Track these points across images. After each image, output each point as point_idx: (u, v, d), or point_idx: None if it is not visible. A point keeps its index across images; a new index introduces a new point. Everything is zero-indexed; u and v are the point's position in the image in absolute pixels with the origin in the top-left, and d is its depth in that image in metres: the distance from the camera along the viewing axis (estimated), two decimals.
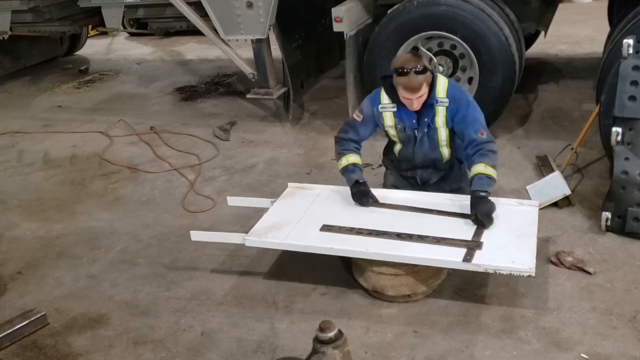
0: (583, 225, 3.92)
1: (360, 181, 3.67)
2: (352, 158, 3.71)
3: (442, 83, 3.50)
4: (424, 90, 3.37)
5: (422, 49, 5.14)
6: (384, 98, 3.60)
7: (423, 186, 3.89)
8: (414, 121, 3.58)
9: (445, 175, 3.85)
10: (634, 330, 3.04)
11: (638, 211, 3.69)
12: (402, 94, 3.39)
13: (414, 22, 4.98)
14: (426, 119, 3.55)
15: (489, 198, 3.40)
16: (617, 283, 3.37)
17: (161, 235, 4.38)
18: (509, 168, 4.75)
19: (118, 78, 8.77)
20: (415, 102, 3.39)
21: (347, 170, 3.71)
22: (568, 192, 4.05)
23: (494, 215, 3.38)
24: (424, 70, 3.31)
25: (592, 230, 3.86)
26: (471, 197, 3.39)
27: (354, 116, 3.73)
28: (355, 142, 3.75)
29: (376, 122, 3.68)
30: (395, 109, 3.58)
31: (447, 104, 3.48)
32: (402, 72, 3.31)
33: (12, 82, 8.88)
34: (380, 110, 3.62)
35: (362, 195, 3.66)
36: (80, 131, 6.62)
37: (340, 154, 3.75)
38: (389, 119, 3.62)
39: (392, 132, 3.70)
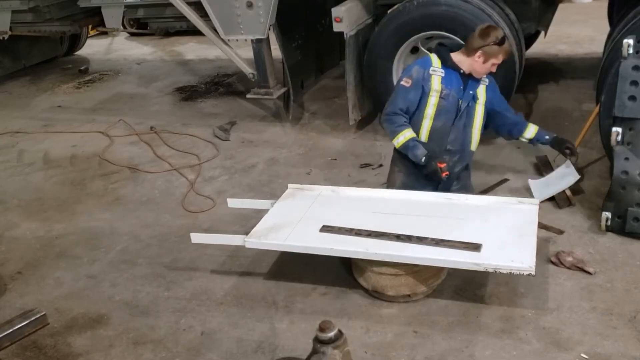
0: (583, 225, 3.92)
1: (425, 159, 3.72)
2: (408, 133, 3.76)
3: None
4: None
5: (423, 48, 5.15)
6: (436, 62, 3.75)
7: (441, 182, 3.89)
8: (461, 87, 3.73)
9: (464, 168, 3.97)
10: (634, 330, 3.04)
11: (638, 211, 3.69)
12: (498, 61, 3.66)
13: (414, 22, 4.98)
14: (471, 91, 3.75)
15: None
16: (617, 283, 3.37)
17: (161, 235, 4.38)
18: (509, 168, 4.75)
19: (118, 78, 8.77)
20: (496, 66, 3.70)
21: (408, 147, 3.75)
22: (578, 176, 4.06)
23: (493, 214, 3.42)
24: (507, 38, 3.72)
25: (592, 230, 3.86)
26: (553, 140, 3.96)
27: (402, 82, 3.77)
28: (405, 115, 3.79)
29: (423, 86, 3.71)
30: (443, 75, 3.72)
31: (487, 83, 3.82)
32: (503, 42, 3.61)
33: (12, 82, 8.88)
34: (430, 72, 3.71)
35: (434, 173, 3.72)
36: (80, 131, 6.62)
37: (394, 132, 3.79)
38: (436, 83, 3.72)
39: (434, 100, 3.72)
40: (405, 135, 3.75)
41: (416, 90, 3.72)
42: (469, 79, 3.74)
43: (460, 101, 3.74)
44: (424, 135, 3.81)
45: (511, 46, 3.73)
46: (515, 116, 3.97)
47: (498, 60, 3.66)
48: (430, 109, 3.75)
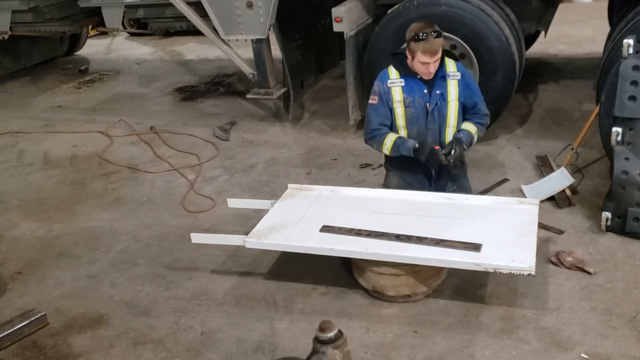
0: (583, 225, 3.92)
1: (418, 145, 3.69)
2: (392, 136, 3.76)
3: (450, 61, 3.72)
4: (440, 54, 3.54)
5: None
6: (392, 74, 3.73)
7: (433, 181, 3.89)
8: (425, 91, 3.67)
9: (458, 167, 3.90)
10: (634, 330, 3.04)
11: (638, 211, 3.69)
12: (421, 59, 3.53)
13: (414, 22, 4.96)
14: (438, 91, 3.68)
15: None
16: (617, 283, 3.37)
17: (161, 235, 4.38)
18: (509, 168, 4.76)
19: (118, 78, 8.77)
20: (432, 65, 3.55)
21: (396, 145, 3.75)
22: (572, 180, 4.07)
23: (493, 214, 3.40)
24: (440, 33, 3.52)
25: (592, 230, 3.86)
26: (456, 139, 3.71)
27: (370, 101, 3.79)
28: (384, 126, 3.79)
29: (386, 100, 3.72)
30: (403, 84, 3.69)
31: (459, 77, 3.70)
32: (420, 37, 3.47)
33: (12, 82, 8.88)
34: (389, 85, 3.70)
35: (432, 154, 3.68)
36: (80, 131, 6.62)
37: (380, 142, 3.80)
38: (397, 94, 3.71)
39: (399, 110, 3.73)
40: (390, 138, 3.76)
41: (384, 105, 3.75)
42: (434, 79, 3.66)
43: (427, 104, 3.69)
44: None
45: (434, 44, 3.46)
46: (475, 115, 3.79)
47: (422, 58, 3.52)
48: (400, 120, 3.77)
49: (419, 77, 3.67)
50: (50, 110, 7.54)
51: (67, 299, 3.77)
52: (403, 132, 3.80)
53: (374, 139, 3.83)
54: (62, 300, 3.76)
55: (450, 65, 3.71)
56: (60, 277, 4.01)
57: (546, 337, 3.04)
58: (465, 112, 3.82)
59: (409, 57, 3.60)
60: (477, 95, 3.79)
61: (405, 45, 3.65)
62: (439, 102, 3.70)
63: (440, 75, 3.67)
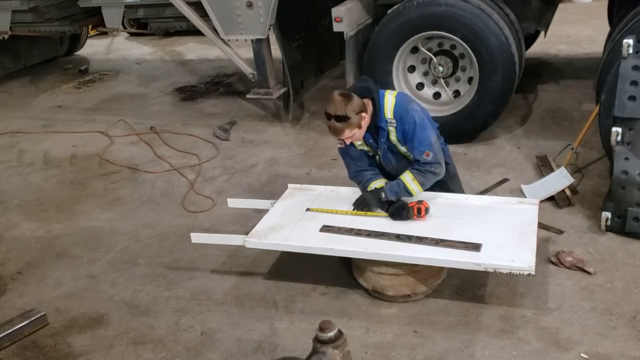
0: (583, 225, 3.92)
1: (389, 200, 3.54)
2: (375, 184, 3.63)
3: (389, 103, 3.48)
4: (350, 134, 3.39)
5: (422, 49, 5.15)
6: None
7: None
8: (371, 141, 3.61)
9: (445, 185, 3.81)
10: (634, 330, 3.04)
11: (638, 211, 3.69)
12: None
13: (414, 22, 4.98)
14: (382, 139, 3.58)
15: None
16: (617, 283, 3.38)
17: (161, 235, 4.38)
18: (509, 168, 4.76)
19: (118, 78, 8.77)
20: (346, 141, 3.46)
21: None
22: (572, 180, 4.06)
23: (493, 214, 3.40)
24: (344, 118, 3.30)
25: (592, 230, 3.86)
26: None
27: (338, 145, 3.68)
28: (362, 169, 3.70)
29: (352, 144, 3.64)
30: None
31: (395, 125, 3.48)
32: (325, 115, 3.37)
33: (12, 82, 8.88)
34: (348, 143, 3.57)
35: (400, 211, 3.51)
36: (80, 131, 6.62)
37: (364, 190, 3.68)
38: (359, 144, 3.65)
39: (365, 148, 3.69)
40: (373, 187, 3.63)
41: (351, 147, 3.64)
42: (374, 129, 3.53)
43: (378, 150, 3.63)
44: (384, 179, 3.71)
45: (334, 128, 3.34)
46: (415, 157, 3.51)
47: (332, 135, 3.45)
48: (376, 158, 3.72)
49: None
50: (50, 110, 7.54)
51: (67, 299, 3.78)
52: (381, 162, 3.74)
53: (358, 183, 3.75)
54: (62, 300, 3.76)
55: (388, 110, 3.47)
56: (60, 277, 4.01)
57: (546, 337, 3.04)
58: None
59: None
60: (414, 141, 3.45)
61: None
62: (388, 146, 3.60)
63: (379, 125, 3.50)
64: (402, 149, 3.59)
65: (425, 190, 3.55)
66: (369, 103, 3.44)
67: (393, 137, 3.54)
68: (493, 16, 4.79)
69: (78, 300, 3.75)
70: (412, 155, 3.53)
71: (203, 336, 3.32)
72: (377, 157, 3.72)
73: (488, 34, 4.75)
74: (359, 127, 3.40)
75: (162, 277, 3.88)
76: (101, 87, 8.38)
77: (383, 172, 3.75)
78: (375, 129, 3.54)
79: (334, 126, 3.36)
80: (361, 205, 3.61)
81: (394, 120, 3.48)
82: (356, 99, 3.36)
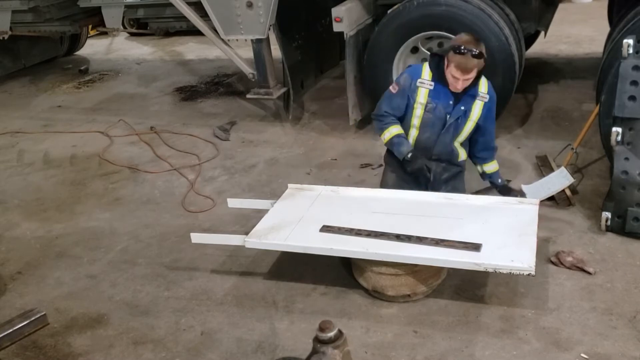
0: (583, 225, 3.93)
1: (410, 155, 3.70)
2: (394, 130, 3.75)
3: (484, 80, 3.65)
4: (473, 74, 3.47)
5: (423, 49, 5.15)
6: (425, 74, 3.65)
7: (432, 182, 3.87)
8: (450, 102, 3.62)
9: (454, 176, 3.89)
10: (634, 330, 3.04)
11: (638, 211, 3.69)
12: (453, 72, 3.46)
13: (414, 22, 4.98)
14: (463, 107, 3.63)
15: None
16: (617, 283, 3.38)
17: (161, 235, 4.38)
18: (509, 168, 4.75)
19: (118, 78, 8.77)
20: (461, 82, 3.48)
21: (392, 143, 3.76)
22: (572, 180, 4.07)
23: (493, 214, 3.44)
24: (480, 55, 3.40)
25: (592, 230, 3.86)
26: (501, 188, 3.89)
27: (390, 88, 3.76)
28: (392, 115, 3.76)
29: (409, 96, 3.67)
30: (432, 87, 3.62)
31: (486, 100, 3.65)
32: (460, 51, 3.39)
33: (12, 82, 8.88)
34: (417, 84, 3.63)
35: (419, 170, 3.74)
36: (80, 131, 6.62)
37: (381, 129, 3.80)
38: (422, 96, 3.64)
39: (419, 112, 3.68)
40: (391, 131, 3.74)
41: (402, 98, 3.69)
42: (463, 94, 3.59)
43: (448, 116, 3.64)
44: (411, 142, 3.80)
45: (469, 62, 3.37)
46: (490, 144, 3.85)
47: (454, 72, 3.44)
48: (415, 120, 3.72)
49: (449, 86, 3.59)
50: (50, 110, 7.54)
51: (67, 299, 3.77)
52: (414, 132, 3.76)
53: (378, 122, 3.82)
54: (62, 300, 3.76)
55: (483, 85, 3.65)
56: (60, 277, 4.01)
57: (546, 337, 3.04)
58: (475, 138, 3.81)
59: (446, 63, 3.51)
60: (493, 122, 3.79)
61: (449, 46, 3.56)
62: (459, 118, 3.65)
63: (470, 92, 3.60)
64: (468, 128, 3.69)
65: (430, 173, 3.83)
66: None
67: (477, 110, 3.63)
68: (493, 16, 4.79)
69: (78, 300, 3.75)
70: (485, 135, 3.77)
71: (203, 336, 3.31)
72: (417, 128, 3.72)
73: (488, 34, 4.75)
74: (479, 72, 3.50)
75: (162, 277, 3.88)
76: (101, 87, 8.37)
77: (419, 146, 3.78)
78: (464, 96, 3.60)
79: (470, 61, 3.38)
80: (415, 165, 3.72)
81: (487, 96, 3.64)
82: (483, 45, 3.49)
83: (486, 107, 3.66)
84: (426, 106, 3.65)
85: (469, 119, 3.66)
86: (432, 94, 3.62)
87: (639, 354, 2.89)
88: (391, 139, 3.74)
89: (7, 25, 7.46)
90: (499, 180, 3.91)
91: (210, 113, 6.80)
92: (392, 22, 5.06)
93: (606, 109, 3.95)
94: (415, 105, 3.67)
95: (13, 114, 7.48)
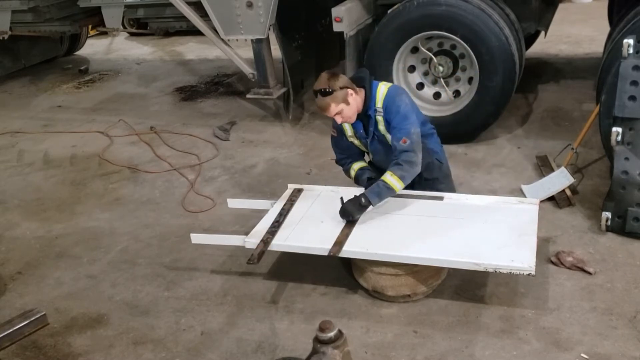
0: (583, 225, 3.92)
1: (372, 177, 3.72)
2: (356, 165, 3.85)
3: (381, 93, 3.57)
4: (337, 108, 3.45)
5: (423, 49, 5.15)
6: None
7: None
8: (361, 131, 3.70)
9: (435, 184, 3.85)
10: (634, 330, 3.04)
11: (638, 211, 3.69)
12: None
13: (414, 22, 4.98)
14: (371, 128, 3.66)
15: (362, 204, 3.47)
16: (617, 283, 3.37)
17: (161, 235, 4.38)
18: (509, 168, 4.76)
19: (118, 78, 8.77)
20: (338, 117, 3.52)
21: (357, 177, 3.84)
22: (572, 180, 4.07)
23: (493, 214, 3.40)
24: (328, 92, 3.39)
25: (592, 230, 3.86)
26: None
27: (332, 133, 3.87)
28: (346, 157, 3.89)
29: (344, 134, 3.79)
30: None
31: (382, 114, 3.58)
32: (315, 95, 3.48)
33: (12, 82, 8.88)
34: (340, 122, 3.64)
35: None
36: (80, 131, 6.62)
37: (347, 172, 3.92)
38: (348, 130, 3.76)
39: (356, 142, 3.80)
40: (354, 168, 3.85)
41: (342, 138, 3.81)
42: (364, 115, 3.60)
43: (367, 140, 3.71)
44: (364, 162, 3.91)
45: (321, 103, 3.42)
46: (394, 156, 3.50)
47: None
48: (363, 148, 3.84)
49: None
50: (50, 110, 7.54)
51: (67, 299, 3.77)
52: (369, 157, 3.89)
53: (341, 167, 3.96)
54: (62, 300, 3.76)
55: (380, 99, 3.55)
56: (60, 277, 4.01)
57: (546, 337, 3.04)
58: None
59: None
60: (394, 128, 3.51)
61: None
62: (377, 136, 3.68)
63: (368, 113, 3.58)
64: (388, 137, 3.65)
65: (405, 187, 3.54)
66: (361, 91, 3.55)
67: (381, 126, 3.62)
68: (493, 16, 4.78)
69: (78, 300, 3.75)
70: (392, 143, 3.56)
71: (203, 336, 3.32)
72: (368, 153, 3.80)
73: (488, 34, 4.75)
74: (346, 103, 3.46)
75: (162, 277, 3.88)
76: (101, 87, 8.38)
77: (374, 168, 3.84)
78: (367, 117, 3.62)
79: (321, 101, 3.44)
80: (344, 216, 3.52)
81: (381, 110, 3.57)
82: (343, 77, 3.49)
83: (385, 119, 3.58)
84: (356, 136, 3.76)
85: (384, 134, 3.64)
86: (353, 126, 3.72)
87: (639, 354, 2.89)
88: (355, 176, 3.84)
89: (7, 25, 7.46)
90: (364, 191, 3.56)
91: (210, 113, 6.80)
92: (392, 22, 5.06)
93: (606, 109, 3.94)
94: (350, 140, 3.80)
95: (13, 114, 7.49)
